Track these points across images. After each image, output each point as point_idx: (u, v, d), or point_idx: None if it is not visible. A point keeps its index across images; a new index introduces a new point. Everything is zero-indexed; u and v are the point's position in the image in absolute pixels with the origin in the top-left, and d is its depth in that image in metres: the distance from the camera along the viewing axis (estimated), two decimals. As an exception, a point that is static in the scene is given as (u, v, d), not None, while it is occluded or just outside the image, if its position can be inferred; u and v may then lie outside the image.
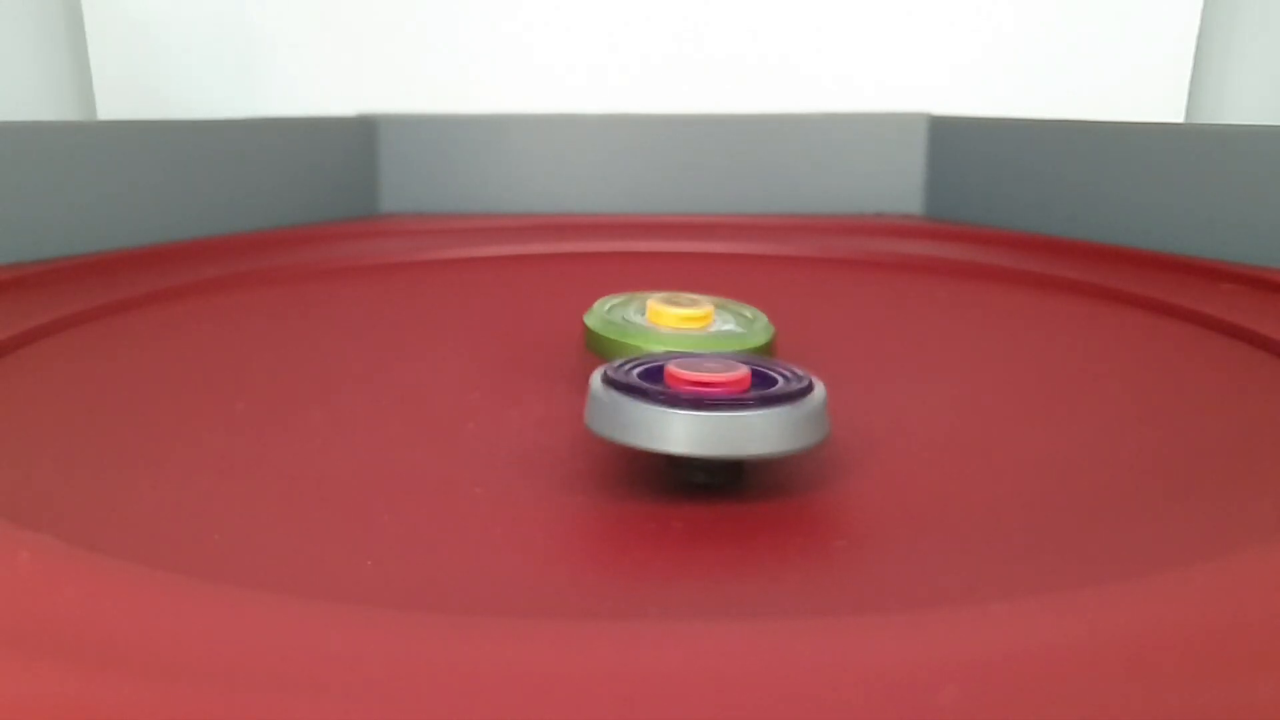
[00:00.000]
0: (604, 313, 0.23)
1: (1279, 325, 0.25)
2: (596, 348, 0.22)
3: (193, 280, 0.31)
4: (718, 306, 0.24)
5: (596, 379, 0.16)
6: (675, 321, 0.22)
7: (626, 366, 0.17)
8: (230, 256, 0.36)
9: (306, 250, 0.38)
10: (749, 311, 0.24)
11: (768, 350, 0.22)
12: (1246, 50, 0.49)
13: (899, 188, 0.48)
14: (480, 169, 0.48)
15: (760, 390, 0.16)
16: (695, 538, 0.15)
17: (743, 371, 0.16)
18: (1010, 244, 0.39)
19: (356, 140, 0.47)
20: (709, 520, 0.15)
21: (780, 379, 0.17)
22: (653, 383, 0.16)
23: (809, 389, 0.16)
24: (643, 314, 0.23)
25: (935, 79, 0.49)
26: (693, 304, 0.22)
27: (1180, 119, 0.48)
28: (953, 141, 0.45)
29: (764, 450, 0.15)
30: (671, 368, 0.16)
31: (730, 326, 0.22)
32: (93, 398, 0.21)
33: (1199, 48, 0.48)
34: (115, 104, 0.50)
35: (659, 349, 0.20)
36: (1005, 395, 0.22)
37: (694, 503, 0.16)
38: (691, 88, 0.50)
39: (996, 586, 0.13)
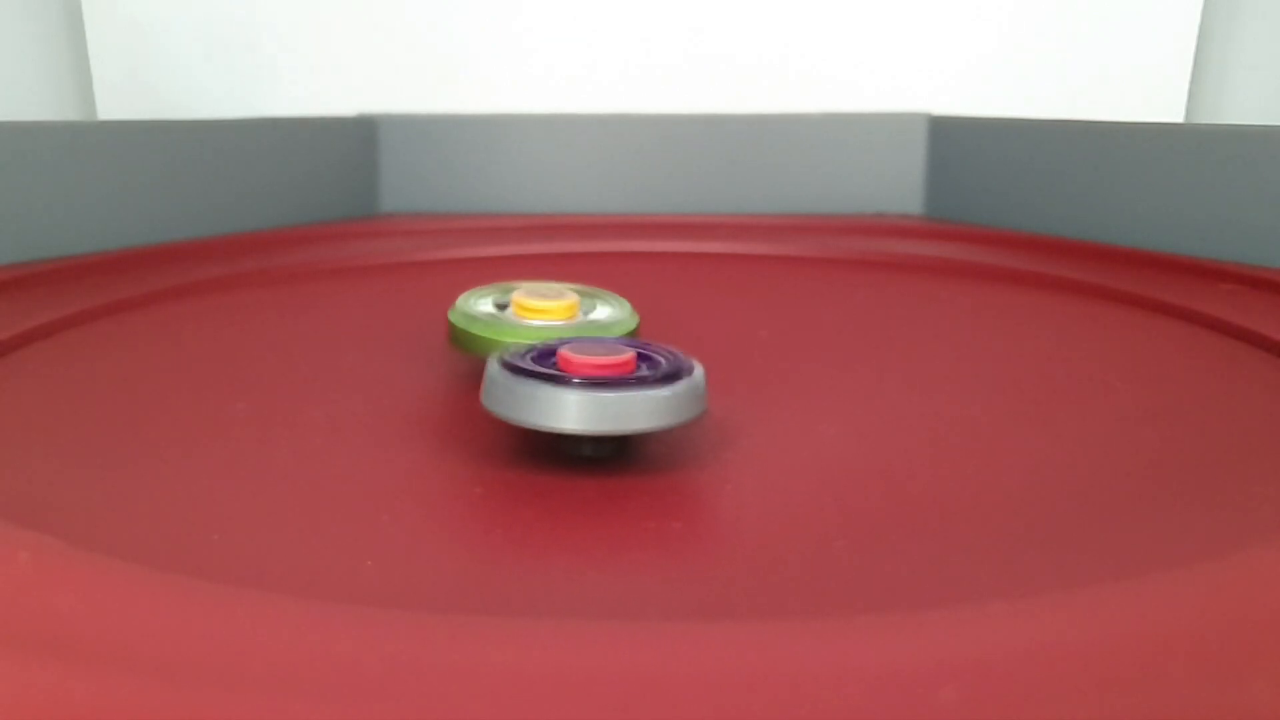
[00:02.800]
0: (468, 307, 0.22)
1: (1279, 325, 0.25)
2: (462, 343, 0.21)
3: (193, 280, 0.31)
4: (584, 297, 0.24)
5: (493, 362, 0.17)
6: (540, 314, 0.22)
7: (521, 351, 0.18)
8: (230, 256, 0.36)
9: (306, 250, 0.38)
10: (615, 301, 0.24)
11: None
12: (1246, 50, 0.49)
13: (899, 188, 0.48)
14: (480, 169, 0.48)
15: (644, 371, 0.17)
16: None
17: (629, 355, 0.17)
18: (1010, 244, 0.39)
19: (356, 140, 0.47)
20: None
21: (663, 361, 0.18)
22: (546, 366, 0.17)
23: (690, 369, 0.17)
24: (508, 307, 0.23)
25: (935, 79, 0.49)
26: (558, 295, 0.22)
27: (1180, 119, 0.48)
28: (953, 141, 0.45)
29: (648, 425, 0.16)
30: (564, 352, 0.17)
31: (595, 317, 0.22)
32: (93, 398, 0.21)
33: (1199, 48, 0.48)
34: (115, 104, 0.50)
35: (523, 342, 0.20)
36: (1004, 395, 0.22)
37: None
38: (691, 88, 0.50)
39: (996, 587, 0.13)
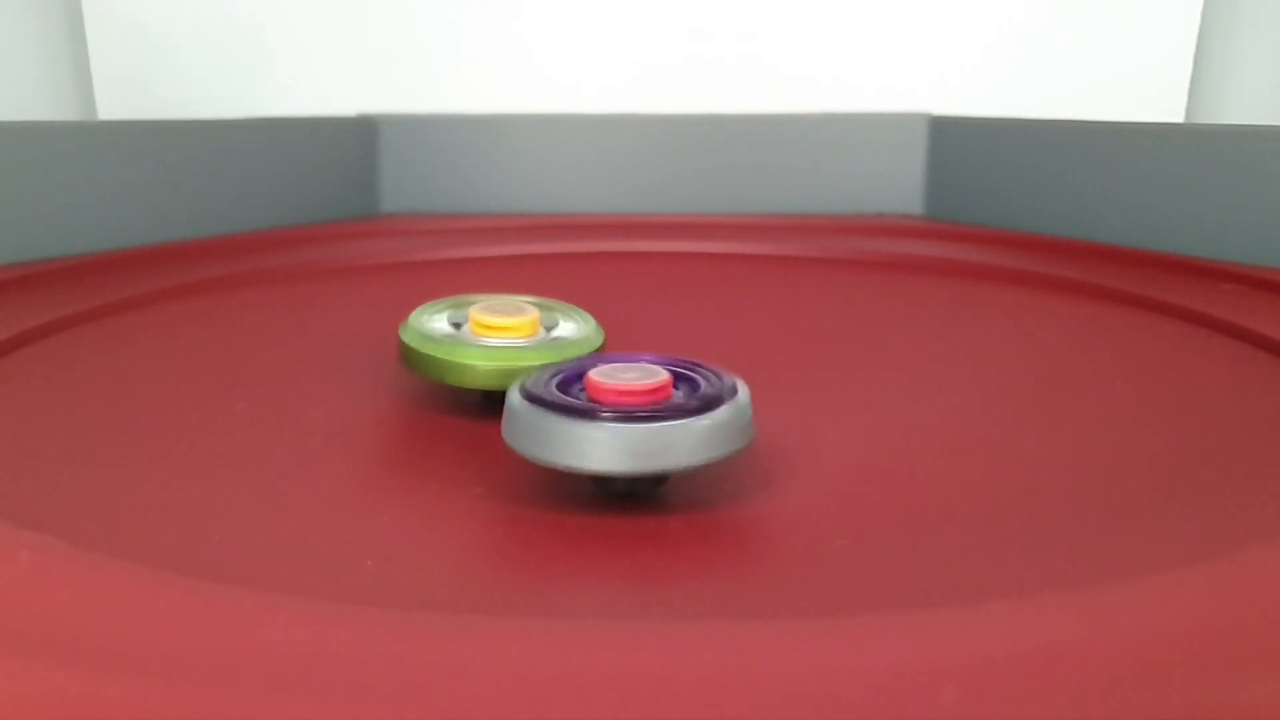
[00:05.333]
0: (420, 325, 0.20)
1: (1279, 325, 0.25)
2: (414, 363, 0.20)
3: (193, 280, 0.31)
4: (544, 311, 0.22)
5: (514, 392, 0.16)
6: (497, 331, 0.20)
7: (545, 377, 0.17)
8: (230, 256, 0.36)
9: (306, 250, 0.38)
10: (579, 316, 0.22)
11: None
12: (1246, 50, 0.49)
13: (899, 188, 0.48)
14: (480, 169, 0.48)
15: (684, 397, 0.16)
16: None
17: (664, 378, 0.16)
18: (1010, 244, 0.39)
19: (356, 140, 0.47)
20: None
21: (702, 382, 0.16)
22: (573, 394, 0.16)
23: (733, 392, 0.16)
24: (463, 324, 0.21)
25: (935, 79, 0.49)
26: (518, 311, 0.21)
27: (1180, 119, 0.48)
28: (953, 141, 0.45)
29: (690, 461, 0.15)
30: (592, 376, 0.16)
31: (558, 334, 0.21)
32: (93, 397, 0.21)
33: (1199, 48, 0.48)
34: (115, 104, 0.50)
35: (481, 364, 0.19)
36: (1005, 395, 0.22)
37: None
38: (691, 88, 0.50)
39: (996, 587, 0.13)
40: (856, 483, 0.17)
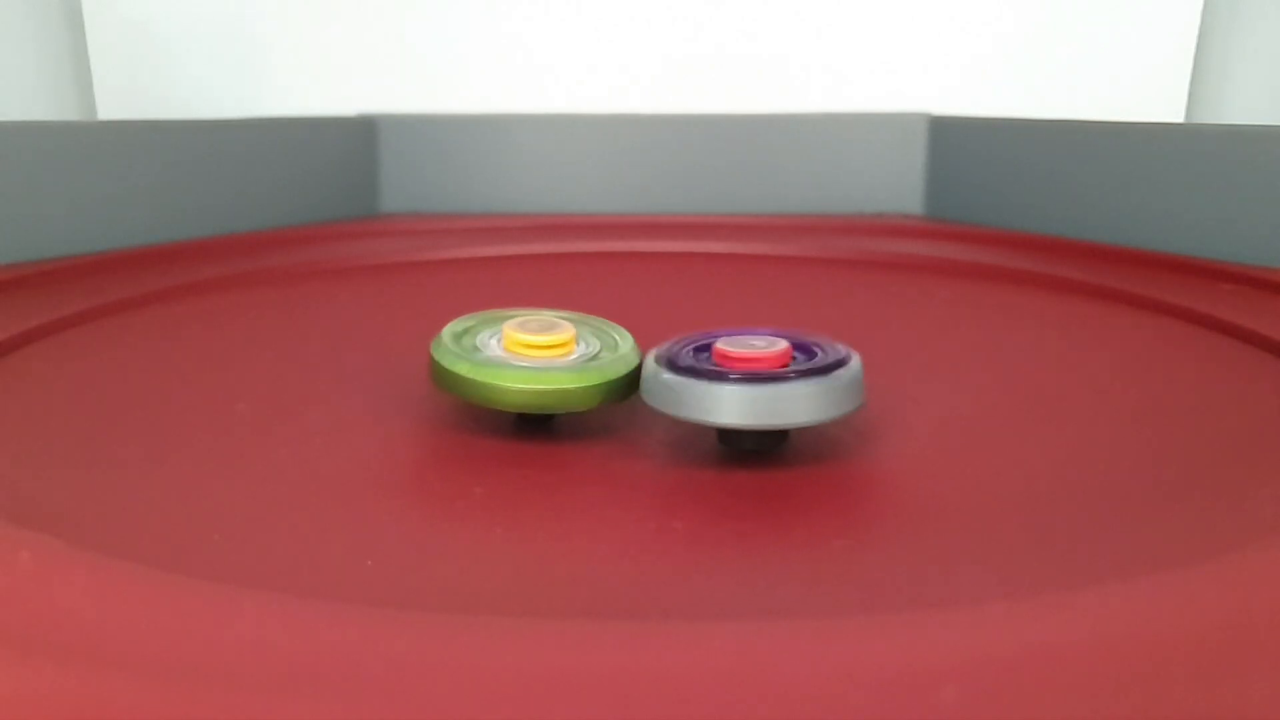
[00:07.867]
0: (452, 342, 0.20)
1: (1279, 325, 0.25)
2: (444, 382, 0.19)
3: (193, 280, 0.31)
4: (580, 326, 0.21)
5: (650, 359, 0.18)
6: (533, 350, 0.19)
7: (677, 345, 0.18)
8: (230, 256, 0.36)
9: (306, 250, 0.38)
10: (616, 332, 0.21)
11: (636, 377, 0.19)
12: (1246, 50, 0.49)
13: (899, 188, 0.48)
14: (480, 169, 0.48)
15: (802, 363, 0.17)
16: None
17: (784, 346, 0.18)
18: (1010, 244, 0.39)
19: (356, 140, 0.47)
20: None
21: (819, 352, 0.18)
22: (702, 360, 0.18)
23: (846, 360, 0.17)
24: (495, 340, 0.20)
25: (935, 79, 0.49)
26: (552, 328, 0.20)
27: (1180, 119, 0.48)
28: (953, 141, 0.45)
29: (808, 419, 0.16)
30: (719, 345, 0.18)
31: (596, 351, 0.20)
32: (93, 398, 0.21)
33: (1199, 48, 0.48)
34: (115, 104, 0.50)
35: (515, 385, 0.18)
36: (1004, 395, 0.22)
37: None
38: (691, 88, 0.50)
39: (996, 586, 0.13)
40: (854, 481, 0.17)
